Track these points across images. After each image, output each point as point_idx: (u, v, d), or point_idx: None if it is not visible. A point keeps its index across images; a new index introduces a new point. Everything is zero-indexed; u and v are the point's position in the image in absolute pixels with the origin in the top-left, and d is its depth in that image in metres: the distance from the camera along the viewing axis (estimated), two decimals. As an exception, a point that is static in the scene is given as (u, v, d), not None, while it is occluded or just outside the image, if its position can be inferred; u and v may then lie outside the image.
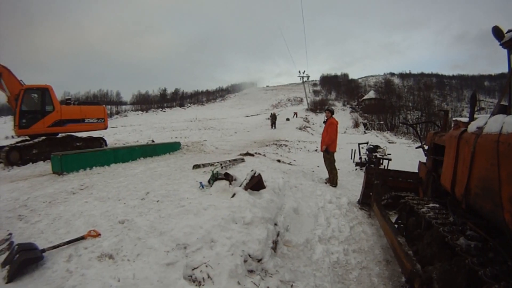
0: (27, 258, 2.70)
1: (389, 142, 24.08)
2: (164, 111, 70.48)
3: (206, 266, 2.79)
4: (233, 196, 4.48)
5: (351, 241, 4.54)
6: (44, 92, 10.97)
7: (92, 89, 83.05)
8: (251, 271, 3.02)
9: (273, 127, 30.67)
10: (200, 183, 5.33)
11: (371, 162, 9.97)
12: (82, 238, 3.24)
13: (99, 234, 3.34)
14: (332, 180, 7.57)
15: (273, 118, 32.13)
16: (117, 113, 68.52)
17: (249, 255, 3.14)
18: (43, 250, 2.92)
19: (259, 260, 3.21)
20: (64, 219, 3.95)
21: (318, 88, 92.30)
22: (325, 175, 7.98)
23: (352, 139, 22.91)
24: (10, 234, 3.54)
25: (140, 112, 71.26)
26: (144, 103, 79.62)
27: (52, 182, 6.42)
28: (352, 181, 8.46)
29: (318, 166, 10.32)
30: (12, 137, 18.05)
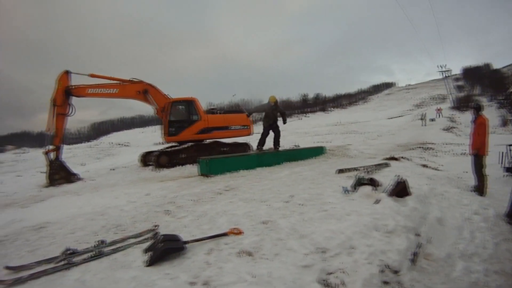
0: (169, 247, 2.92)
1: (541, 143, 19.71)
2: (308, 117, 69.29)
3: (342, 272, 2.77)
4: (377, 202, 4.36)
5: (493, 260, 3.86)
6: (190, 103, 12.13)
7: (234, 98, 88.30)
8: (385, 283, 2.88)
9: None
10: (344, 188, 5.21)
11: (522, 168, 8.38)
12: (225, 234, 3.39)
13: (241, 232, 3.46)
14: (480, 188, 6.63)
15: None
16: (260, 119, 71.09)
17: (387, 266, 3.02)
18: (186, 242, 3.11)
19: (395, 272, 3.04)
20: (209, 217, 4.20)
21: (461, 83, 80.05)
22: (472, 181, 7.06)
23: (501, 140, 19.53)
24: (156, 225, 3.93)
25: (283, 117, 72.05)
26: (286, 109, 79.41)
27: (200, 183, 6.92)
28: (501, 190, 7.14)
29: (465, 172, 9.16)
30: (161, 143, 21.14)
